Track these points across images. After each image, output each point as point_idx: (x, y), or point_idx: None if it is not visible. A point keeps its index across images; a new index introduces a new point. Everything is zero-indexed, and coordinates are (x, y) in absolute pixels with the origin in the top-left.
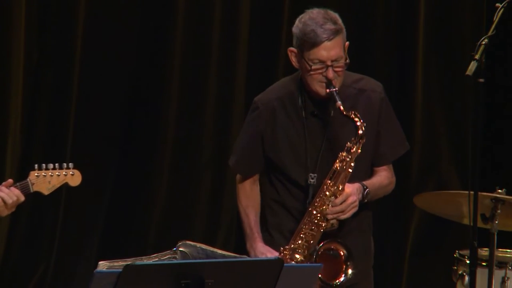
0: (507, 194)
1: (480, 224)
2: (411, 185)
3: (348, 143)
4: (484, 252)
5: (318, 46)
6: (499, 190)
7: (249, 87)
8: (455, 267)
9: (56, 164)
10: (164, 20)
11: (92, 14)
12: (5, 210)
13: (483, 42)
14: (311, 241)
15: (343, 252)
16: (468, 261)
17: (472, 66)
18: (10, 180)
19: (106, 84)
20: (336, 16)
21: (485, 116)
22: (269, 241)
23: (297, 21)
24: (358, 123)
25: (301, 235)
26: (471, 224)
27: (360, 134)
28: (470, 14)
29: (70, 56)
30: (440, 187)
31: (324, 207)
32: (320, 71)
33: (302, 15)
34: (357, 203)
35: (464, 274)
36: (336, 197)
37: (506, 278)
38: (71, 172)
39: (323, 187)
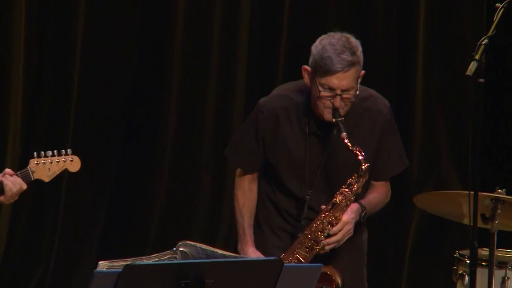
0: (507, 194)
1: (480, 224)
2: (411, 185)
3: (350, 179)
4: (484, 252)
5: (331, 75)
6: (499, 190)
7: (249, 87)
8: (455, 267)
9: (55, 151)
10: (164, 20)
11: (92, 14)
12: (10, 198)
13: (483, 42)
14: (303, 261)
15: (337, 280)
16: (468, 261)
17: (472, 66)
18: (8, 170)
19: (106, 84)
20: (357, 45)
21: (485, 116)
22: (260, 237)
23: (317, 41)
24: (361, 158)
25: (295, 254)
26: (471, 224)
27: (363, 170)
28: (470, 14)
29: (70, 56)
30: (440, 187)
31: (319, 233)
32: (328, 97)
33: (324, 37)
34: (352, 230)
35: (464, 274)
36: (332, 226)
37: (506, 278)
38: (70, 158)
39: (321, 215)
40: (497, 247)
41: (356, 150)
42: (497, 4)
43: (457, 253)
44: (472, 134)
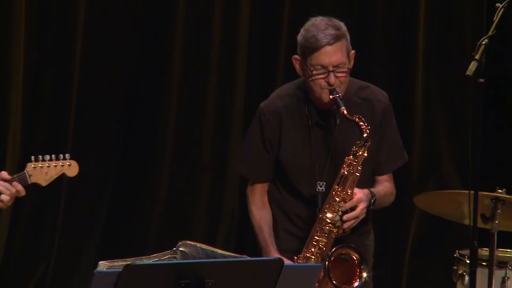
0: (507, 194)
1: (480, 224)
2: (411, 185)
3: (354, 147)
4: (484, 252)
5: (318, 51)
6: (499, 190)
7: (249, 89)
8: (455, 267)
9: (53, 155)
10: (164, 21)
11: (92, 14)
12: (2, 204)
13: (483, 42)
14: (324, 248)
15: (355, 256)
16: (468, 261)
17: (472, 66)
18: (5, 174)
19: (106, 84)
20: (340, 23)
21: (485, 116)
22: None
23: (301, 29)
24: (363, 126)
25: (314, 243)
26: (471, 224)
27: (365, 137)
28: (470, 14)
29: (70, 56)
30: (440, 187)
31: (334, 213)
32: (321, 76)
33: (306, 23)
34: (365, 210)
35: (464, 274)
36: (345, 202)
37: (506, 278)
38: (68, 163)
39: (331, 193)
40: (497, 247)
41: (357, 119)
42: (497, 4)
43: (457, 253)
44: (472, 134)
